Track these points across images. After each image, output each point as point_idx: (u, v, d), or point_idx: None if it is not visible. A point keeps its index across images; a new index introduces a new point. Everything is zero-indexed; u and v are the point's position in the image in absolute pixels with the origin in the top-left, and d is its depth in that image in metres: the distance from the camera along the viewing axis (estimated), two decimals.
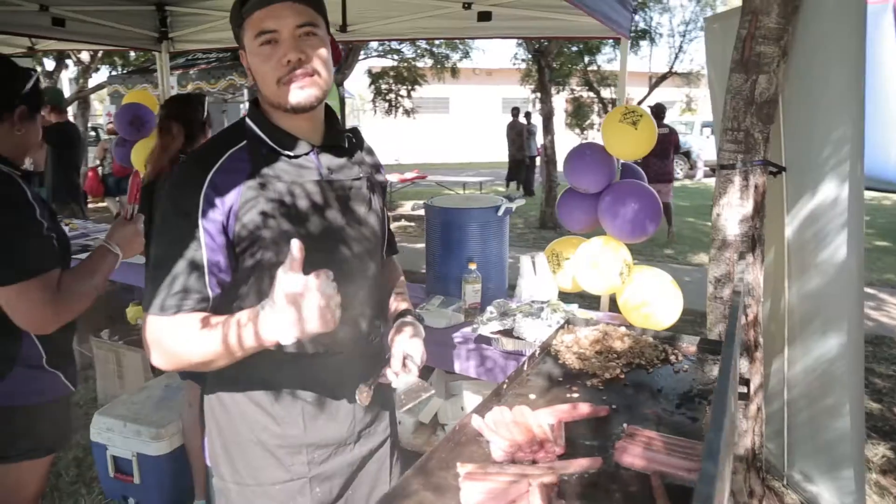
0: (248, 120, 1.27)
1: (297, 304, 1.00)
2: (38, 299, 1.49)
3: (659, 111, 9.44)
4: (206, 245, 1.15)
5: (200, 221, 1.14)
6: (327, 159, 1.29)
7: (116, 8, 3.90)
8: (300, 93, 1.18)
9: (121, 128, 4.29)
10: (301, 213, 1.23)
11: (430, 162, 22.48)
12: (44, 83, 12.49)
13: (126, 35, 4.15)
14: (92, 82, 14.75)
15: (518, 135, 13.29)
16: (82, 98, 14.28)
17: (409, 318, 1.43)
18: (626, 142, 2.91)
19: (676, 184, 16.06)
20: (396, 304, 1.52)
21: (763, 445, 2.55)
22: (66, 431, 1.83)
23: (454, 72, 13.67)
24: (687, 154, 17.28)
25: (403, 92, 14.72)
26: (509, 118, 13.80)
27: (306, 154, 1.26)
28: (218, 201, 1.15)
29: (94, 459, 2.75)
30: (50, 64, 13.07)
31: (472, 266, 2.77)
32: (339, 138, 1.34)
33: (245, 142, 1.23)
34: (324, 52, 1.21)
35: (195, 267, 1.15)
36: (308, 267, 1.22)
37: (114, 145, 4.68)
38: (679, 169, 17.13)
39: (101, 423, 2.61)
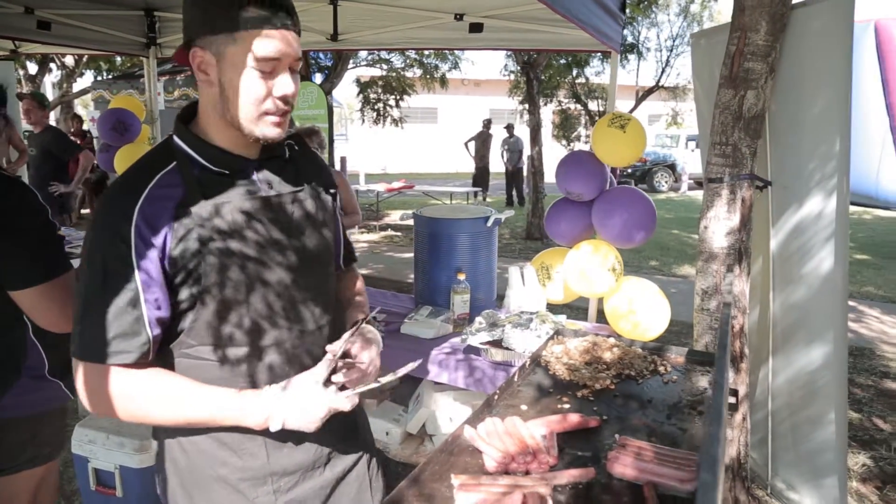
0: (175, 139, 1.16)
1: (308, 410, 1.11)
2: (61, 299, 1.50)
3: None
4: (143, 283, 1.06)
5: (134, 258, 1.05)
6: (266, 173, 1.21)
7: (103, 12, 3.86)
8: (275, 130, 1.14)
9: (103, 133, 4.24)
10: (244, 234, 1.14)
11: (418, 171, 22.53)
12: (26, 87, 12.36)
13: (113, 40, 4.11)
14: (76, 87, 14.64)
15: (483, 143, 13.72)
16: (66, 103, 14.15)
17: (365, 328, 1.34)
18: (615, 146, 2.93)
19: (661, 196, 16.28)
20: (354, 314, 1.45)
21: (748, 455, 2.57)
22: (63, 438, 1.82)
23: (443, 82, 13.74)
24: (672, 167, 17.45)
25: (392, 101, 14.76)
26: (497, 129, 14.07)
27: (243, 171, 1.18)
28: (150, 233, 1.06)
29: (75, 472, 2.70)
30: (33, 67, 12.92)
31: (461, 277, 2.77)
32: (279, 149, 1.26)
33: (174, 163, 1.12)
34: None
35: (133, 308, 1.06)
36: (257, 286, 1.17)
37: (98, 150, 4.65)
38: (664, 182, 17.32)
39: (82, 435, 2.56)
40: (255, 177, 1.19)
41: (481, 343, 2.42)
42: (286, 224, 1.21)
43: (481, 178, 13.93)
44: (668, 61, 12.12)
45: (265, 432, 1.15)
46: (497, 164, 13.86)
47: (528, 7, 3.15)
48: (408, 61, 13.20)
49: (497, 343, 2.42)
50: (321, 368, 1.16)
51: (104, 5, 3.83)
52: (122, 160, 4.10)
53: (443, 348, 2.59)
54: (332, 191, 1.36)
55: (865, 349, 4.83)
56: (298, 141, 1.34)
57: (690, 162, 17.27)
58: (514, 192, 13.63)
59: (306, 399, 1.12)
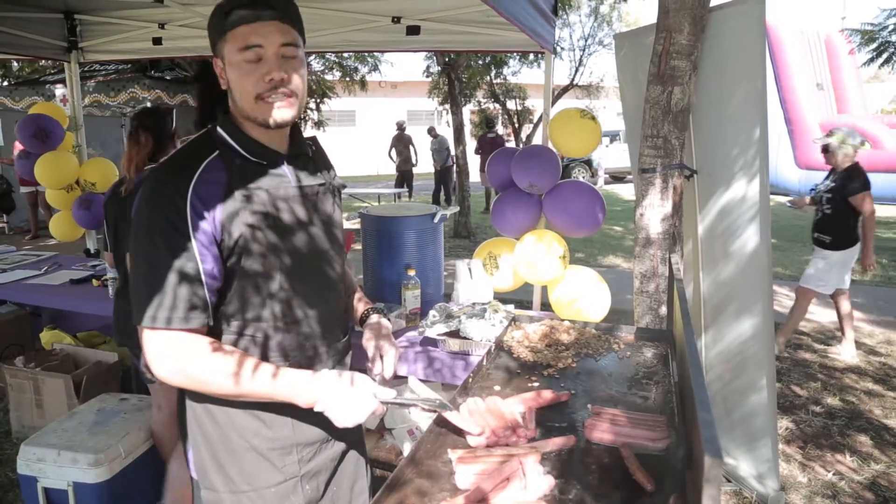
0: (219, 129, 1.26)
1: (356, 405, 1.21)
2: None
3: (490, 120, 12.03)
4: (201, 255, 1.15)
5: (191, 233, 1.14)
6: (295, 167, 1.32)
7: (20, 14, 3.67)
8: (279, 112, 1.21)
9: (24, 140, 4.03)
10: (284, 223, 1.26)
11: (338, 175, 22.32)
12: None
13: (33, 44, 3.89)
14: None
15: (405, 146, 13.84)
16: None
17: (375, 318, 1.54)
18: (584, 137, 3.07)
19: None
20: (362, 304, 1.61)
21: None
22: None
23: (363, 84, 13.71)
24: (588, 163, 18.09)
25: (312, 105, 14.57)
26: (415, 130, 14.15)
27: (275, 163, 1.28)
28: (205, 212, 1.15)
29: (19, 495, 2.58)
30: None
31: (411, 272, 2.84)
32: (304, 147, 1.38)
33: (217, 152, 1.22)
34: (303, 72, 1.25)
35: (194, 278, 1.15)
36: (291, 266, 1.28)
37: (16, 158, 4.41)
38: (581, 177, 17.94)
39: (30, 454, 2.46)
40: (285, 169, 1.29)
41: (439, 334, 2.50)
42: (315, 214, 1.34)
43: (406, 179, 14.01)
44: (581, 60, 12.58)
45: (292, 407, 1.24)
46: (425, 165, 13.94)
47: (463, 10, 3.25)
48: (327, 64, 13.08)
49: (454, 333, 2.50)
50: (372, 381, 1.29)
51: (20, 7, 3.64)
52: (44, 168, 3.90)
53: (400, 342, 2.65)
54: (339, 186, 1.50)
55: (778, 324, 5.22)
56: (315, 142, 1.46)
57: (605, 157, 17.96)
58: (443, 192, 13.77)
59: (357, 398, 1.22)
